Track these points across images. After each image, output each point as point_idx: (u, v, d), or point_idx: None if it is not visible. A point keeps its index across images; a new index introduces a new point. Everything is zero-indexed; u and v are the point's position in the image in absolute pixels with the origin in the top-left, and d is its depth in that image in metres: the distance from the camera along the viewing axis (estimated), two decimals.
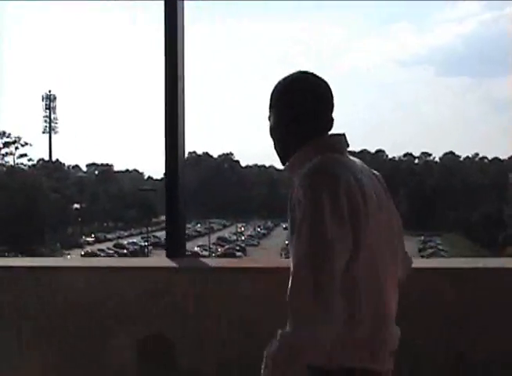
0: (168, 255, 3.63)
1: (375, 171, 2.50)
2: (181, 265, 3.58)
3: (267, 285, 3.43)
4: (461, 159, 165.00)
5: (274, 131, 2.49)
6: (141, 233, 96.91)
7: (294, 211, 2.15)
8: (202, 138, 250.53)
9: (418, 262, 3.28)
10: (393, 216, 2.40)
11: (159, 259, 3.72)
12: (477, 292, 3.63)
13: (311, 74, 2.44)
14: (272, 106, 2.47)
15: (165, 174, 3.50)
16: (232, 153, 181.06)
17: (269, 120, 2.49)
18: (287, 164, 2.44)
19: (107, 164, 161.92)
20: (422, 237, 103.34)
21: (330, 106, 2.42)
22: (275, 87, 2.48)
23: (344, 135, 2.41)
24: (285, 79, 2.47)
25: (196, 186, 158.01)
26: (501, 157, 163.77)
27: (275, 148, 2.50)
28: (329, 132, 2.43)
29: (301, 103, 2.40)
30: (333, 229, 2.03)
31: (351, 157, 2.38)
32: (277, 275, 2.86)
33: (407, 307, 2.61)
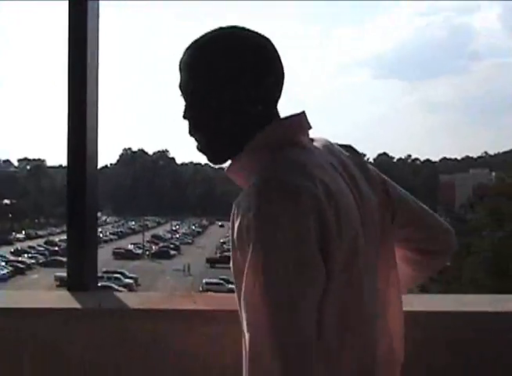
0: (71, 288, 2.49)
1: (346, 149, 1.76)
2: (84, 305, 2.30)
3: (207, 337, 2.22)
4: (394, 160, 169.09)
5: (197, 120, 1.64)
6: None
7: (236, 250, 1.48)
8: (137, 134, 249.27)
9: (415, 303, 2.44)
10: (386, 210, 1.71)
11: (58, 295, 2.52)
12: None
13: (247, 29, 1.65)
14: (190, 80, 1.62)
15: (68, 184, 2.51)
16: (167, 150, 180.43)
17: (188, 104, 1.66)
18: (229, 168, 1.67)
19: (39, 159, 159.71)
20: None
21: (281, 76, 1.65)
22: (196, 52, 1.63)
23: (304, 113, 1.65)
24: (212, 39, 1.63)
25: (130, 183, 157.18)
26: (432, 159, 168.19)
27: (201, 145, 1.68)
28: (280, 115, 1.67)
29: (241, 72, 1.59)
30: (297, 281, 1.37)
31: (315, 144, 1.66)
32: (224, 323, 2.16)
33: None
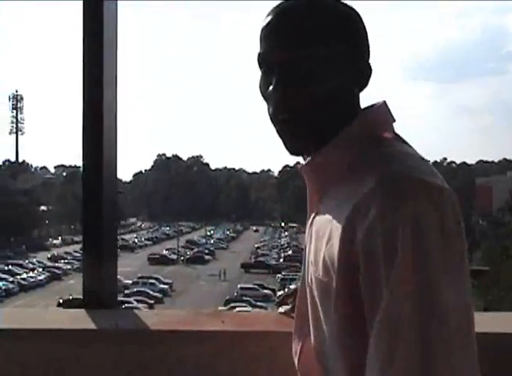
0: (88, 306, 2.23)
1: None
2: (100, 325, 2.02)
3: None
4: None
5: (316, 87, 1.31)
6: None
7: (353, 252, 1.21)
8: (171, 140, 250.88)
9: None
10: None
11: (72, 314, 2.24)
12: None
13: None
14: (308, 46, 1.31)
15: (83, 192, 2.32)
16: (201, 156, 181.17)
17: (292, 67, 1.32)
18: (312, 162, 1.40)
19: (75, 166, 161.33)
20: None
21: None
22: (317, 8, 1.34)
23: (385, 105, 1.42)
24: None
25: (165, 188, 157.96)
26: (468, 162, 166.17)
27: (300, 124, 1.34)
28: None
29: (363, 42, 1.40)
30: (460, 284, 1.16)
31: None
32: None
33: None
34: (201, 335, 1.91)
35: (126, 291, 53.58)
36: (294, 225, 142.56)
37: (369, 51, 1.40)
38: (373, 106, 1.39)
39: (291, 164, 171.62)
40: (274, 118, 1.35)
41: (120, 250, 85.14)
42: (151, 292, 53.97)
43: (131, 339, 1.93)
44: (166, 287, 58.51)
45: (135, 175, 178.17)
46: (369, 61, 1.39)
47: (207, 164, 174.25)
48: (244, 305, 48.14)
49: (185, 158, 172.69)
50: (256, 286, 57.25)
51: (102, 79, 2.19)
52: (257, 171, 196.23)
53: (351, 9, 1.38)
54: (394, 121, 1.38)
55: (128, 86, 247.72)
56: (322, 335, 1.32)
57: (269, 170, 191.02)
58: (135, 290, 54.27)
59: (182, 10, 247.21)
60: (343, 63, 1.32)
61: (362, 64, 1.37)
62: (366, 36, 1.40)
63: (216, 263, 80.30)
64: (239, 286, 56.92)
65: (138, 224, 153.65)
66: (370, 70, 1.37)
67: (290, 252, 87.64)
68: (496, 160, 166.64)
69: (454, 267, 1.14)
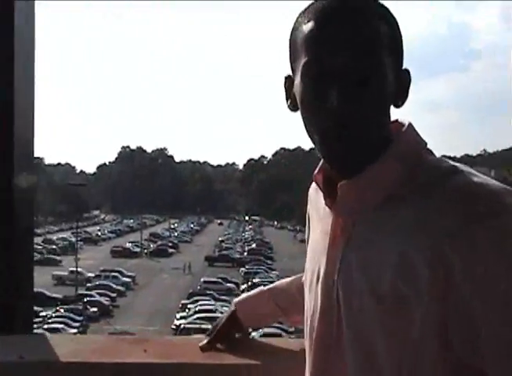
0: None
1: None
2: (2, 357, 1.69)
3: None
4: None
5: (378, 100, 1.21)
6: (71, 228, 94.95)
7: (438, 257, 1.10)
8: (136, 132, 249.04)
9: None
10: None
11: None
12: None
13: None
14: (377, 48, 1.20)
15: None
16: (166, 148, 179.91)
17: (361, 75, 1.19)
18: (368, 172, 1.24)
19: (37, 157, 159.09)
20: None
21: None
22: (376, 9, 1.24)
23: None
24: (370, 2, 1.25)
25: (129, 181, 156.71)
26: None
27: (357, 140, 1.21)
28: None
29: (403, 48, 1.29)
30: None
31: None
32: None
33: None
34: (118, 368, 1.62)
35: (88, 285, 53.08)
36: (258, 218, 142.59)
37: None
38: (396, 121, 1.30)
39: (256, 157, 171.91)
40: (330, 132, 1.20)
41: (83, 242, 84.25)
42: (114, 285, 53.44)
43: (35, 374, 1.63)
44: (129, 280, 58.00)
45: (99, 167, 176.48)
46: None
47: (172, 157, 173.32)
48: (208, 298, 47.98)
49: (149, 150, 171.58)
50: (220, 279, 57.04)
51: (13, 80, 1.96)
52: (222, 164, 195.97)
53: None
54: (425, 142, 1.29)
55: (93, 78, 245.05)
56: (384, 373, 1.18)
57: (234, 163, 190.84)
58: (97, 283, 53.72)
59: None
60: (393, 73, 1.23)
61: (404, 74, 1.27)
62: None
63: (180, 256, 79.86)
64: (202, 279, 56.65)
65: (102, 216, 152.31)
66: (410, 79, 1.28)
67: (253, 246, 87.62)
68: (459, 156, 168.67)
69: None
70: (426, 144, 1.25)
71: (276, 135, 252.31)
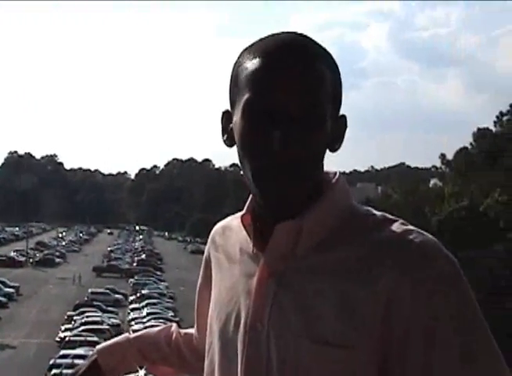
0: None
1: None
2: None
3: None
4: None
5: (314, 144, 1.18)
6: None
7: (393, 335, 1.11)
8: (24, 137, 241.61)
9: None
10: None
11: None
12: None
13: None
14: (318, 93, 1.17)
15: None
16: (56, 155, 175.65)
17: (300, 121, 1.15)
18: (306, 217, 1.20)
19: None
20: None
21: None
22: (315, 54, 1.20)
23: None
24: (311, 44, 1.22)
25: (15, 187, 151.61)
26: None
27: (298, 175, 1.18)
28: None
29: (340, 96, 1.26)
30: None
31: None
32: None
33: None
34: None
35: None
36: (146, 228, 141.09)
37: None
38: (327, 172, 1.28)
39: (148, 167, 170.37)
40: (267, 171, 1.17)
41: None
42: None
43: None
44: (12, 290, 55.96)
45: None
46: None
47: (62, 164, 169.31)
48: (94, 309, 47.01)
49: (38, 157, 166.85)
50: (107, 290, 56.05)
51: None
52: (114, 172, 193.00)
53: None
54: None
55: None
56: None
57: (126, 172, 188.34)
58: None
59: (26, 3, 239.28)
60: (332, 118, 1.20)
61: (341, 120, 1.26)
62: None
63: (67, 266, 77.99)
64: (89, 290, 55.49)
65: None
66: (346, 125, 1.27)
67: (143, 256, 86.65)
68: (348, 172, 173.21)
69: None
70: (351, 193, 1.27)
71: (169, 145, 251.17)
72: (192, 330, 1.68)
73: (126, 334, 1.75)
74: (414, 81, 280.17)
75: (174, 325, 1.74)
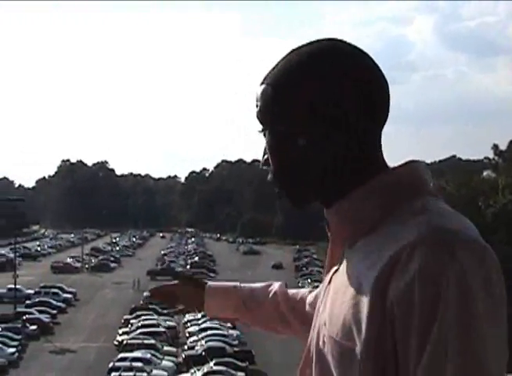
0: None
1: None
2: None
3: None
4: None
5: (296, 152, 1.22)
6: (10, 244, 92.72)
7: (390, 315, 1.07)
8: (76, 145, 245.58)
9: None
10: None
11: None
12: None
13: (354, 46, 1.26)
14: (292, 100, 1.21)
15: None
16: (107, 162, 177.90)
17: (272, 131, 1.25)
18: (336, 219, 1.23)
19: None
20: (297, 246, 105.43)
21: (387, 111, 1.26)
22: (298, 61, 1.22)
23: (424, 163, 1.27)
24: (313, 47, 1.24)
25: (69, 195, 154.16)
26: None
27: (288, 184, 1.27)
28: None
29: (355, 97, 1.20)
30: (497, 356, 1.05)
31: None
32: None
33: None
34: None
35: (27, 302, 51.82)
36: (193, 230, 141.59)
37: None
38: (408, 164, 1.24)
39: (197, 169, 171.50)
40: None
41: (22, 258, 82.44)
42: (54, 302, 52.43)
43: None
44: (70, 296, 56.98)
45: (38, 181, 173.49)
46: None
47: (113, 170, 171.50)
48: (150, 313, 47.48)
49: (90, 164, 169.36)
50: None
51: None
52: (164, 176, 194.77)
53: None
54: (430, 180, 1.23)
55: (31, 88, 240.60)
56: None
57: (176, 176, 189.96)
58: (36, 300, 52.51)
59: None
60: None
61: None
62: None
63: (122, 271, 78.95)
64: (145, 294, 56.02)
65: (42, 231, 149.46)
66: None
67: (196, 258, 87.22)
68: None
69: (500, 336, 1.05)
70: (421, 182, 1.20)
71: (218, 147, 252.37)
72: (306, 291, 1.76)
73: (236, 283, 1.85)
74: (463, 72, 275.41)
75: (282, 283, 1.81)
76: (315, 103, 1.18)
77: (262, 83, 1.25)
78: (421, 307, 1.03)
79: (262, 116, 1.24)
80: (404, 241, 1.08)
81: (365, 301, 1.10)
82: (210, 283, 1.87)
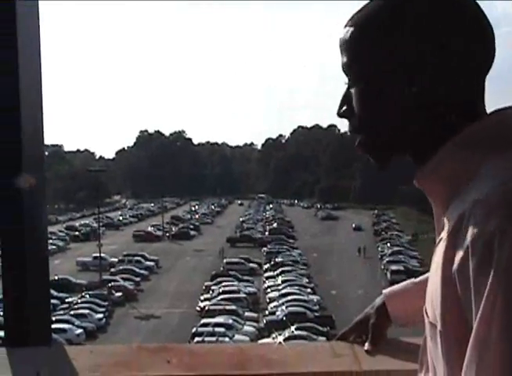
0: (8, 343, 1.79)
1: None
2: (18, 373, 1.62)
3: None
4: None
5: (382, 101, 1.14)
6: (93, 214, 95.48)
7: (451, 283, 1.00)
8: (153, 116, 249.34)
9: None
10: None
11: None
12: None
13: None
14: (375, 45, 1.14)
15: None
16: (184, 131, 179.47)
17: (362, 81, 1.17)
18: (421, 175, 1.16)
19: (57, 145, 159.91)
20: (375, 211, 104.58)
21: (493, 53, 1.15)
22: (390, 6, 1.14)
23: None
24: None
25: (148, 165, 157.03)
26: None
27: (372, 136, 1.18)
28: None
29: (456, 39, 1.11)
30: None
31: None
32: None
33: None
34: None
35: (112, 270, 53.38)
36: (264, 196, 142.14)
37: None
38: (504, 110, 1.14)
39: (274, 136, 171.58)
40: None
41: (104, 228, 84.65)
42: (137, 270, 53.76)
43: None
44: (152, 264, 58.30)
45: (118, 152, 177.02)
46: None
47: (190, 139, 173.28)
48: (231, 279, 48.11)
49: (167, 134, 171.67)
50: (242, 260, 57.12)
51: (18, 85, 1.83)
52: (240, 144, 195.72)
53: None
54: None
55: (107, 64, 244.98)
56: None
57: (252, 143, 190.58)
58: (120, 268, 54.03)
59: None
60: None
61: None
62: None
63: (202, 238, 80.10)
64: (225, 260, 56.77)
65: (123, 201, 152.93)
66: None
67: (274, 225, 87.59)
68: None
69: None
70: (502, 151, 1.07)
71: (294, 113, 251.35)
72: None
73: (411, 280, 1.64)
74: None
75: None
76: (400, 47, 1.12)
77: (346, 25, 1.19)
78: (474, 273, 0.96)
79: (346, 60, 1.18)
80: (467, 204, 1.01)
81: (439, 275, 1.04)
82: (386, 290, 1.69)
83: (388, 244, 66.52)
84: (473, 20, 1.12)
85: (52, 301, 42.37)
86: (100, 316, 39.12)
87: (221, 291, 43.71)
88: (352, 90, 1.18)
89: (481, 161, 1.07)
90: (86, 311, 38.91)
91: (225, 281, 47.23)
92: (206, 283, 48.01)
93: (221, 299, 41.10)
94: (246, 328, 35.98)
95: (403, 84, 1.12)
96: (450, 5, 1.12)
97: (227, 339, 32.42)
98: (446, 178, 1.11)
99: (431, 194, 1.16)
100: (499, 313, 0.92)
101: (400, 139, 1.16)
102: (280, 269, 51.83)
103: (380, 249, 64.86)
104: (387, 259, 56.29)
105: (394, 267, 51.17)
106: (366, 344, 1.68)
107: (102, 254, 54.60)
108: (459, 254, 0.99)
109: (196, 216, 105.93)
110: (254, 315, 39.62)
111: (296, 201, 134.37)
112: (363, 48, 1.15)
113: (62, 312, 39.59)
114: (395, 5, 1.13)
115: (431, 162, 1.13)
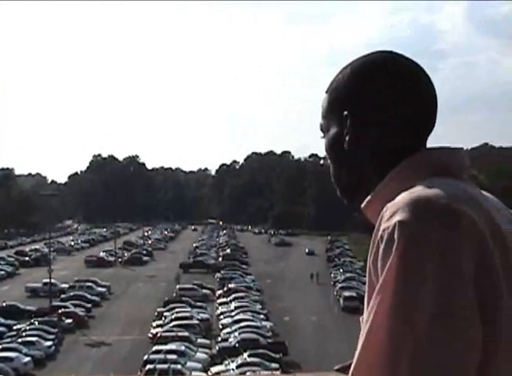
0: None
1: None
2: None
3: None
4: None
5: (335, 147, 1.36)
6: (44, 239, 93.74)
7: (370, 275, 1.15)
8: (107, 140, 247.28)
9: None
10: None
11: None
12: None
13: (403, 56, 1.37)
14: (336, 105, 1.37)
15: None
16: (138, 156, 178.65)
17: (325, 130, 1.40)
18: (367, 200, 1.32)
19: (7, 168, 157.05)
20: (329, 237, 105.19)
21: (435, 108, 1.38)
22: (345, 75, 1.38)
23: (462, 149, 1.33)
24: (360, 62, 1.38)
25: (101, 189, 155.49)
26: None
27: (335, 175, 1.40)
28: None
29: (391, 98, 1.32)
30: (447, 335, 1.03)
31: (479, 190, 1.28)
32: None
33: None
34: None
35: (62, 296, 52.45)
36: (214, 221, 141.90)
37: None
38: (441, 149, 1.34)
39: (228, 162, 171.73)
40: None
41: (56, 253, 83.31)
42: (88, 296, 52.97)
43: None
44: (104, 290, 57.52)
45: (71, 177, 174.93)
46: None
47: (144, 164, 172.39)
48: (184, 305, 47.71)
49: (121, 158, 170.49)
50: (195, 286, 56.80)
51: None
52: (195, 170, 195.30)
53: None
54: (469, 166, 1.32)
55: (61, 87, 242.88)
56: None
57: (206, 169, 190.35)
58: (71, 294, 53.15)
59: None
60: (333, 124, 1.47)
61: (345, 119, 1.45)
62: None
63: (154, 264, 79.44)
64: (178, 286, 56.36)
65: (75, 226, 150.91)
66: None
67: (228, 251, 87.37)
68: None
69: (448, 305, 1.06)
70: (424, 175, 1.25)
71: (248, 139, 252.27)
72: None
73: None
74: (494, 58, 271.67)
75: None
76: (356, 105, 1.35)
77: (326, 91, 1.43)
78: (381, 258, 1.11)
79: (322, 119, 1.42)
80: (387, 211, 1.17)
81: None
82: None
83: (341, 270, 66.88)
84: (411, 92, 1.34)
85: None
86: (49, 343, 38.30)
87: (173, 317, 43.30)
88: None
89: (406, 186, 1.21)
90: (35, 338, 38.05)
91: (178, 307, 46.82)
92: (158, 310, 47.52)
93: (174, 326, 40.67)
94: (199, 355, 35.68)
95: (357, 135, 1.35)
96: (394, 83, 1.34)
97: (179, 366, 32.08)
98: (385, 200, 1.21)
99: (373, 218, 1.24)
100: (394, 280, 1.07)
101: (357, 176, 1.37)
102: (233, 295, 51.63)
103: (332, 275, 65.14)
104: (339, 285, 56.59)
105: (347, 293, 51.44)
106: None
107: (53, 280, 53.65)
108: (374, 249, 1.14)
109: (149, 242, 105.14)
110: (207, 341, 39.33)
111: (249, 227, 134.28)
112: (331, 112, 1.40)
113: (9, 339, 38.72)
114: (358, 79, 1.36)
115: (376, 188, 1.30)
